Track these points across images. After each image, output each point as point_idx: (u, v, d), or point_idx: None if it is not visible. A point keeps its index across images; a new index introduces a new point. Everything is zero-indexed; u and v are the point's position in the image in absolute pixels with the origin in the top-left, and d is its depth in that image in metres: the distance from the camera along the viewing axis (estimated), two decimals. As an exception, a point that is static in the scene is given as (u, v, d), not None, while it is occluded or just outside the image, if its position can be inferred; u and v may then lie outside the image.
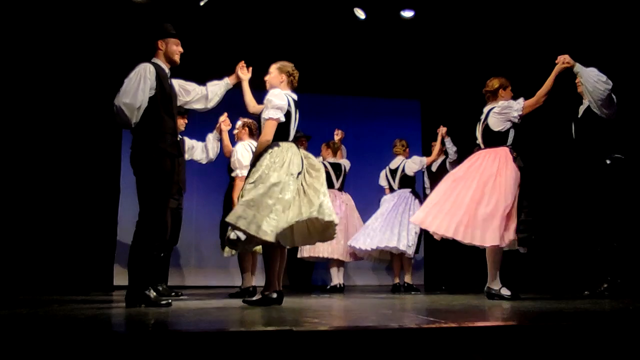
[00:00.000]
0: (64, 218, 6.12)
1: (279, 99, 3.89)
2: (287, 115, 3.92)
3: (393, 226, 5.92)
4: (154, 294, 3.70)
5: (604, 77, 4.48)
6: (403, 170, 6.21)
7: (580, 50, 5.73)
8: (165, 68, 3.88)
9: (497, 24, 6.66)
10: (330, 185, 6.24)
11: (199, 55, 6.88)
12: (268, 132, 3.83)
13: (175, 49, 3.92)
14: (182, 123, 5.21)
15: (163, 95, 3.78)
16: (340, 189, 6.35)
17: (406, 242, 5.83)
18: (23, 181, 6.01)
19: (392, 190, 6.28)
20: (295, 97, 4.04)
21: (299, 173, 3.80)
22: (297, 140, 6.57)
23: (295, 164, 3.83)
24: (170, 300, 3.75)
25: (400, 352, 2.19)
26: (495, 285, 4.36)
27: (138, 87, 3.65)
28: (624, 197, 4.60)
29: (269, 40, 6.99)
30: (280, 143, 3.87)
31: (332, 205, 6.19)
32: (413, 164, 6.22)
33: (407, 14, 6.69)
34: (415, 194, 6.23)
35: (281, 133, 3.89)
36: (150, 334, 2.29)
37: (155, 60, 3.87)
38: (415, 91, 7.99)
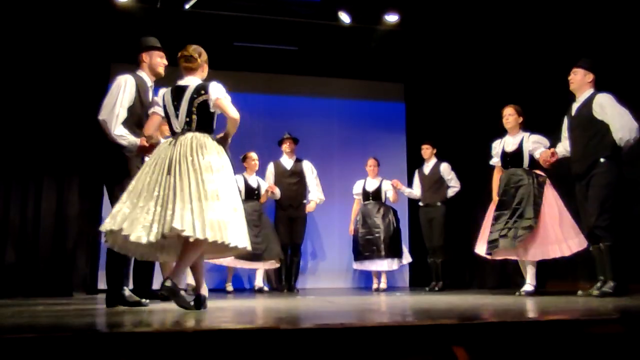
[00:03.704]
0: (48, 222, 6.09)
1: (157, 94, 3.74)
2: (164, 109, 3.65)
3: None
4: (130, 293, 3.81)
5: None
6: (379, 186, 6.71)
7: (568, 48, 5.81)
8: (149, 80, 3.97)
9: (483, 27, 6.72)
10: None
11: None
12: (146, 125, 3.74)
13: (160, 61, 4.01)
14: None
15: (141, 107, 3.86)
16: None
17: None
18: (6, 184, 5.97)
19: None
20: (183, 82, 3.65)
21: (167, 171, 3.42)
22: (282, 142, 6.67)
23: (158, 160, 3.48)
24: (147, 301, 3.84)
25: (383, 348, 2.23)
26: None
27: (116, 101, 3.77)
28: (617, 196, 4.48)
29: (255, 43, 7.04)
30: (162, 141, 3.75)
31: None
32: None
33: (392, 17, 6.75)
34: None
35: (170, 129, 3.66)
36: (134, 333, 2.30)
37: (138, 72, 3.97)
38: (401, 93, 8.06)
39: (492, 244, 5.00)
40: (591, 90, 4.64)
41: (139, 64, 4.00)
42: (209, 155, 3.41)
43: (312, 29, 6.87)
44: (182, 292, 3.44)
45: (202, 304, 3.43)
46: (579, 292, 4.60)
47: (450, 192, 6.49)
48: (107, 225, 3.30)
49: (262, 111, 7.44)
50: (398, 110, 8.05)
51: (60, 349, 2.03)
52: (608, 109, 4.45)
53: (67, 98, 6.28)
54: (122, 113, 3.76)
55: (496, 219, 5.09)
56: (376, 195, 6.63)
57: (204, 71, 3.69)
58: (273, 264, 6.31)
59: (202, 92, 3.52)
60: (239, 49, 7.15)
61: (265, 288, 6.38)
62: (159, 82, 4.04)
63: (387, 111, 8.02)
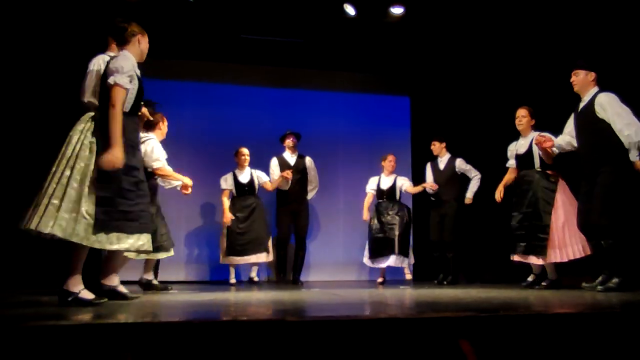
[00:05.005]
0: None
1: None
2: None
3: None
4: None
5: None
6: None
7: (572, 47, 5.80)
8: None
9: (489, 20, 6.69)
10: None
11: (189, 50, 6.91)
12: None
13: None
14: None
15: None
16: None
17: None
18: (12, 179, 5.98)
19: None
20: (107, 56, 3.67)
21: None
22: (284, 137, 6.67)
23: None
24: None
25: (388, 341, 2.26)
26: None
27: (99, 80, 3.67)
28: (623, 196, 4.40)
29: (261, 35, 7.03)
30: None
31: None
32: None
33: (397, 10, 6.73)
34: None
35: None
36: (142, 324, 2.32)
37: (109, 53, 3.91)
38: (405, 87, 8.05)
39: (514, 247, 5.22)
40: (595, 89, 4.58)
41: (109, 45, 3.95)
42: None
43: (318, 21, 6.86)
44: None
45: (113, 296, 3.33)
46: (583, 284, 4.62)
47: (475, 182, 6.39)
48: None
49: (267, 104, 7.44)
50: (403, 103, 8.04)
51: (65, 339, 2.06)
52: (609, 109, 4.40)
53: (71, 93, 6.25)
54: None
55: (512, 220, 5.26)
56: (391, 194, 6.64)
57: (137, 45, 3.51)
58: (263, 258, 6.33)
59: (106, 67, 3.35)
60: (246, 42, 7.15)
61: (256, 278, 6.42)
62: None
63: (392, 105, 8.01)
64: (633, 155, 4.29)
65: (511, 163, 5.47)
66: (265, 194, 6.70)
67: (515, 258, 5.27)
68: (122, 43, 3.48)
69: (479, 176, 6.41)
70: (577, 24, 5.91)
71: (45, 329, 2.10)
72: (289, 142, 6.65)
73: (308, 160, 6.70)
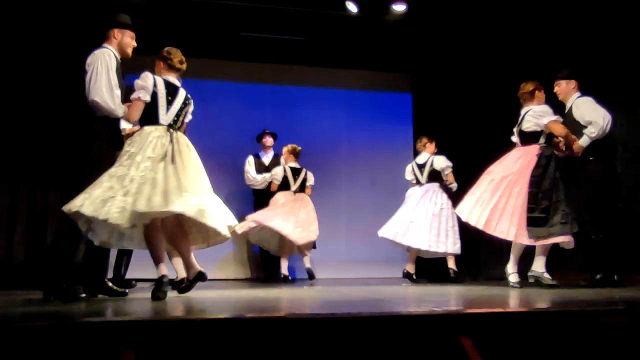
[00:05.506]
0: (55, 214, 6.09)
1: (142, 79, 3.75)
2: (154, 96, 3.69)
3: (440, 229, 6.06)
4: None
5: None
6: (432, 165, 6.27)
7: (573, 41, 5.80)
8: (117, 57, 3.85)
9: (492, 17, 6.67)
10: (287, 187, 6.39)
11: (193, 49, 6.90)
12: (132, 113, 3.71)
13: (130, 41, 3.90)
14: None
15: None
16: (296, 191, 6.42)
17: (457, 245, 6.07)
18: (14, 178, 5.98)
19: (419, 183, 6.34)
20: (173, 80, 3.86)
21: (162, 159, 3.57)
22: (261, 137, 6.65)
23: (157, 147, 3.60)
24: (127, 290, 3.88)
25: (390, 338, 2.25)
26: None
27: (110, 80, 3.66)
28: (605, 192, 4.63)
29: (262, 33, 7.01)
30: (145, 128, 3.69)
31: (285, 206, 6.23)
32: (442, 161, 6.27)
33: (399, 7, 6.71)
34: (444, 187, 6.25)
35: (149, 116, 3.71)
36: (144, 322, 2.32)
37: (108, 46, 3.82)
38: (408, 84, 8.02)
39: (542, 230, 4.51)
40: (577, 94, 4.86)
41: (108, 39, 3.85)
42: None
43: (320, 19, 6.84)
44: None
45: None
46: (582, 283, 4.68)
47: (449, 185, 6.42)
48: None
49: (269, 102, 7.43)
50: (405, 101, 8.02)
51: (66, 337, 2.06)
52: (584, 109, 4.69)
53: (74, 91, 6.24)
54: (119, 93, 3.66)
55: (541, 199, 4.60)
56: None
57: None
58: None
59: (189, 101, 3.95)
60: (246, 39, 7.14)
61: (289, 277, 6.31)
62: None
63: (394, 102, 7.98)
64: (584, 140, 4.57)
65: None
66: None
67: (541, 241, 4.53)
68: (170, 69, 3.90)
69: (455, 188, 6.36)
70: (577, 20, 5.89)
71: (47, 328, 2.10)
72: (265, 141, 6.65)
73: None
